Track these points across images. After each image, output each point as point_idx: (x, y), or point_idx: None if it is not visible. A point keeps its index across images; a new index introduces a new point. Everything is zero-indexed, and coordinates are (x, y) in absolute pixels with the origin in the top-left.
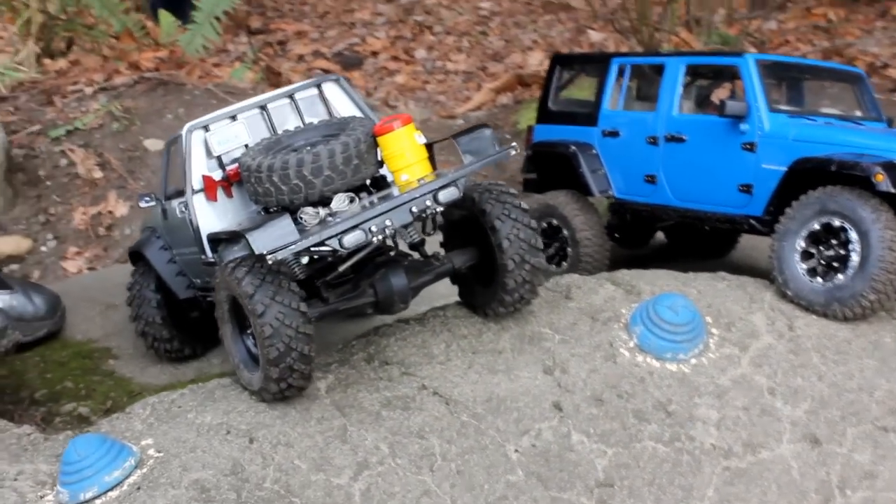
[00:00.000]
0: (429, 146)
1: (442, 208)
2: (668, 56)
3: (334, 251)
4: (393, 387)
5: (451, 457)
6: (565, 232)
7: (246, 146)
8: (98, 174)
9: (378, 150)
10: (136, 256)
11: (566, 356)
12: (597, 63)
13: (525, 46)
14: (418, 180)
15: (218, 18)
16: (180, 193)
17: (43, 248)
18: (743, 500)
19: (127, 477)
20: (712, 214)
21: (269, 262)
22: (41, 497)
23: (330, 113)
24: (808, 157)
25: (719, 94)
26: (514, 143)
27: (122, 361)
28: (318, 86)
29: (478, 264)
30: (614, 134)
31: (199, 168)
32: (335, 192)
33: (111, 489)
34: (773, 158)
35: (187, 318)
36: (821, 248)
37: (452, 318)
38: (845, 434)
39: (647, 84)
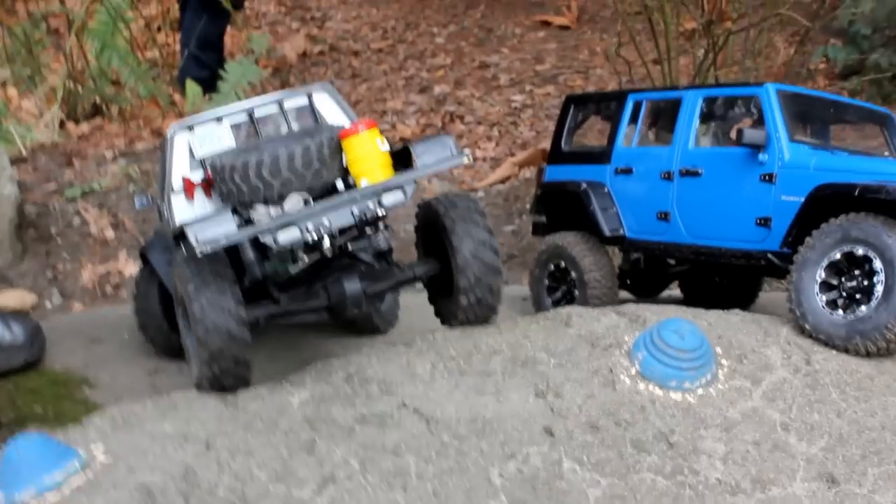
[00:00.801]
0: (397, 154)
1: (384, 212)
2: (685, 89)
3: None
4: (370, 404)
5: (427, 476)
6: (573, 273)
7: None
8: (110, 234)
9: (342, 155)
10: (144, 257)
11: (561, 380)
12: (612, 100)
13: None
14: (371, 184)
15: (245, 89)
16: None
17: (48, 304)
18: None
19: (68, 478)
20: (727, 251)
21: (200, 253)
22: None
23: (318, 121)
24: (828, 184)
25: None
26: (467, 151)
27: (99, 390)
28: (309, 95)
29: (440, 276)
30: (627, 171)
31: (181, 169)
32: None
33: (50, 491)
34: (794, 189)
35: None
36: (842, 279)
37: (442, 340)
38: (866, 474)
39: (663, 120)
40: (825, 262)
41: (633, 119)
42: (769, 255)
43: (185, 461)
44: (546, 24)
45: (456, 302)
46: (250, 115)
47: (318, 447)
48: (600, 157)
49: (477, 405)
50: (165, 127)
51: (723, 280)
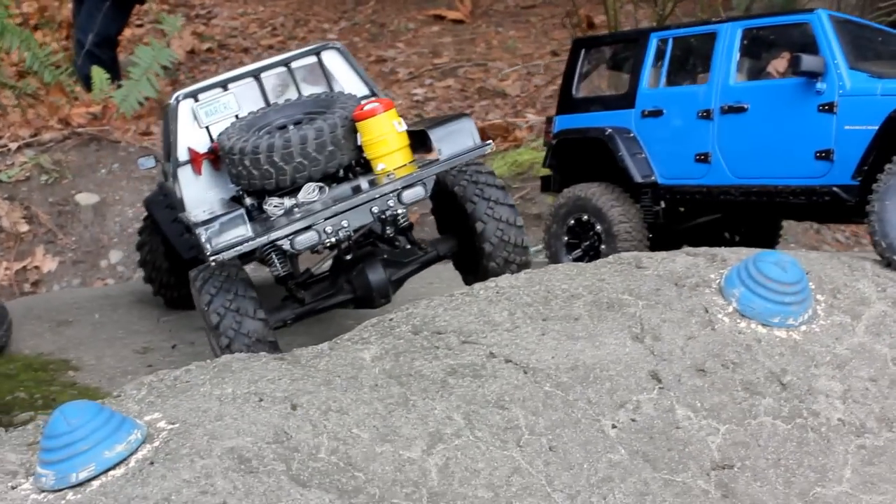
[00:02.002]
0: (411, 133)
1: (404, 210)
2: (721, 23)
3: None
4: (454, 355)
5: (539, 431)
6: (598, 227)
7: (236, 117)
8: (24, 228)
9: (357, 135)
10: (148, 209)
11: (656, 322)
12: (631, 41)
13: None
14: (387, 175)
15: (157, 74)
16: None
17: None
18: (888, 482)
19: (133, 453)
20: (784, 188)
21: (212, 263)
22: (13, 488)
23: (329, 83)
24: None
25: (776, 64)
26: (489, 141)
27: (85, 373)
28: (318, 54)
29: (464, 248)
30: (657, 114)
31: (186, 139)
32: (308, 180)
33: (113, 467)
34: (859, 118)
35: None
36: None
37: (508, 287)
38: None
39: (693, 58)
40: None
41: (658, 59)
42: (835, 189)
43: (272, 422)
44: (440, 18)
45: (485, 269)
46: (257, 79)
47: (414, 403)
48: (622, 101)
49: (573, 351)
50: (73, 115)
51: (733, 236)
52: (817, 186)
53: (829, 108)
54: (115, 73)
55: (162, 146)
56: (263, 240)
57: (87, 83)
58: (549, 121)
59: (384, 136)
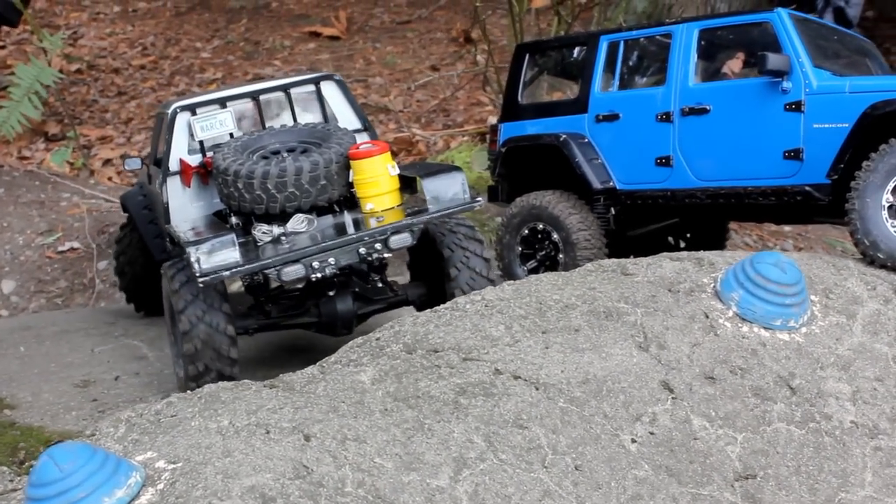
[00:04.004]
0: (402, 178)
1: (390, 254)
2: (676, 24)
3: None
4: (458, 373)
5: (562, 449)
6: (555, 236)
7: (231, 135)
8: None
9: (350, 172)
10: (124, 206)
11: (659, 330)
12: (579, 45)
13: None
14: (375, 217)
15: (38, 93)
16: (159, 162)
17: None
18: None
19: (134, 498)
20: (754, 189)
21: (200, 283)
22: None
23: (324, 113)
24: (889, 100)
25: (731, 65)
26: (479, 199)
27: (23, 411)
28: (317, 83)
29: (433, 296)
30: (612, 118)
31: (179, 150)
32: (297, 210)
33: None
34: (829, 116)
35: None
36: None
37: (497, 300)
38: None
39: (648, 60)
40: (891, 185)
41: (610, 62)
42: (807, 189)
43: (289, 456)
44: (316, 35)
45: None
46: (255, 101)
47: (430, 426)
48: (573, 106)
49: (581, 364)
50: None
51: (678, 242)
52: (788, 186)
53: (796, 106)
54: None
55: (150, 149)
56: (254, 267)
57: None
58: (495, 129)
59: (376, 178)
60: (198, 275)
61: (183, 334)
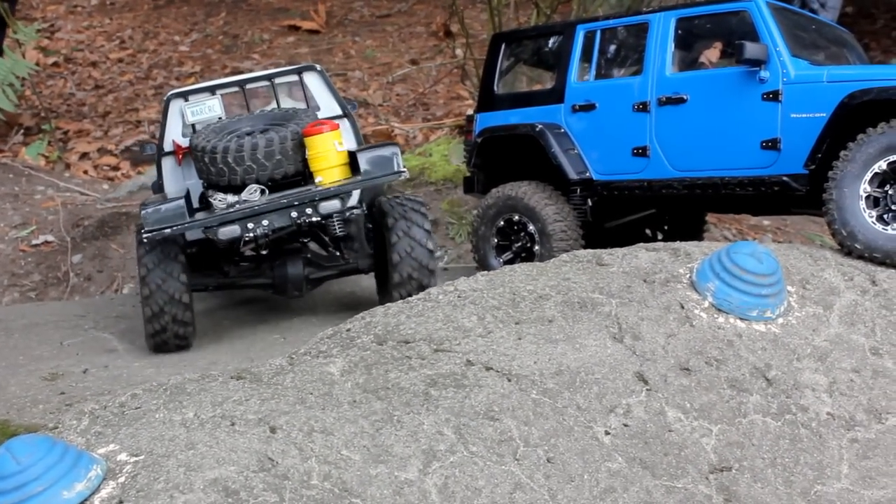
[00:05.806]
0: (352, 154)
1: (320, 218)
2: (652, 13)
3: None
4: (429, 365)
5: (534, 442)
6: (531, 227)
7: (220, 119)
8: None
9: (305, 148)
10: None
11: (634, 321)
12: (555, 35)
13: None
14: (317, 186)
15: (12, 86)
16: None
17: None
18: (886, 475)
19: (95, 491)
20: (731, 179)
21: (146, 238)
22: None
23: (307, 101)
24: (866, 89)
25: (708, 54)
26: (404, 168)
27: None
28: (300, 73)
29: (381, 264)
30: (588, 108)
31: (173, 133)
32: (256, 182)
33: None
34: (806, 106)
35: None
36: (890, 190)
37: (470, 291)
38: None
39: (625, 49)
40: (868, 175)
41: (587, 51)
42: (784, 179)
43: (253, 448)
44: (295, 28)
45: (389, 294)
46: (242, 89)
47: (399, 418)
48: (549, 96)
49: (555, 355)
50: None
51: (655, 234)
52: (766, 177)
53: (773, 96)
54: None
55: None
56: (192, 225)
57: None
58: (470, 119)
59: (325, 153)
60: (144, 231)
61: (144, 298)
